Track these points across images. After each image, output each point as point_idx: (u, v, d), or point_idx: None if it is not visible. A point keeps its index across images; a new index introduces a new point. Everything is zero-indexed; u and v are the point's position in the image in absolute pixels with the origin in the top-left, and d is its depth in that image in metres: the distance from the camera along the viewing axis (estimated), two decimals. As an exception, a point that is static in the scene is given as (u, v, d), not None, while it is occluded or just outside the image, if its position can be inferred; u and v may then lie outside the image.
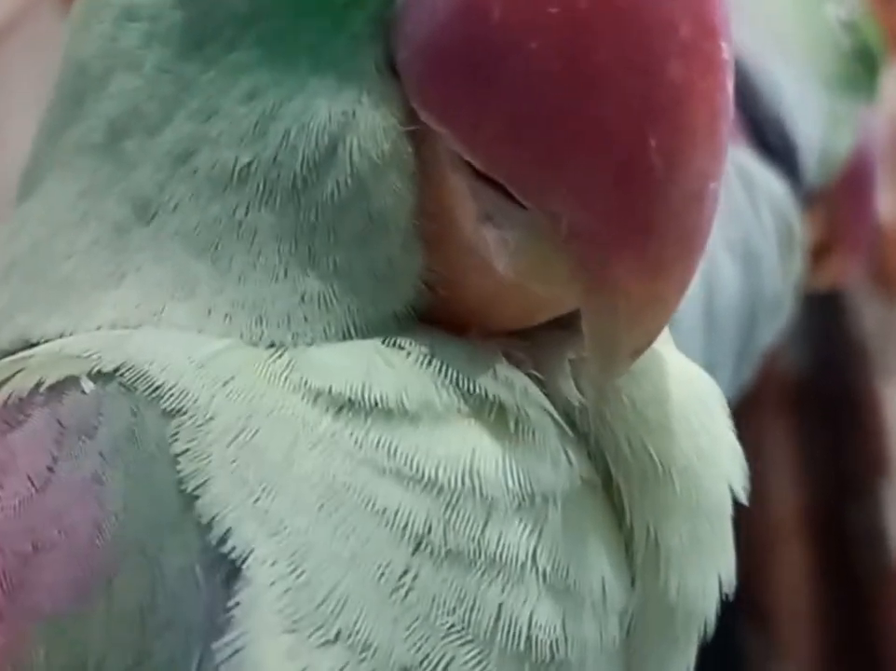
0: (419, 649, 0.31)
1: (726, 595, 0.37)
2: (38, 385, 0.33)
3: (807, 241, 0.87)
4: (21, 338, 0.37)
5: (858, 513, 1.24)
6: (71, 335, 0.36)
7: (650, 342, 0.33)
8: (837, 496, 1.24)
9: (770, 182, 0.84)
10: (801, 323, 0.91)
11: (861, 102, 0.89)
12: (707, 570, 0.36)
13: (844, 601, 1.22)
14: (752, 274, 0.81)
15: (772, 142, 0.85)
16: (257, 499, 0.31)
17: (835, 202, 0.90)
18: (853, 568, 1.23)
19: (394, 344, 0.34)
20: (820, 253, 0.91)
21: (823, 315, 1.19)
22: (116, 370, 0.33)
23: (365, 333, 0.34)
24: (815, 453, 1.24)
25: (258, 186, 0.34)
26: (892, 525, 1.24)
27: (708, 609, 0.36)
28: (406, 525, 0.32)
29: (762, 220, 0.83)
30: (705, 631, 0.37)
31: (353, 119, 0.33)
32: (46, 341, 0.36)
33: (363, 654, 0.31)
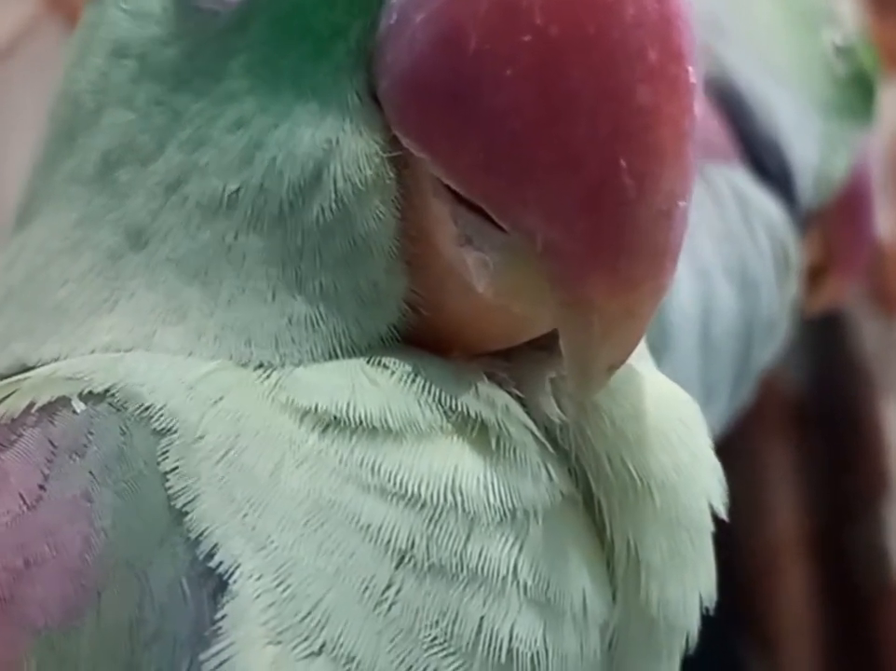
0: (402, 661, 0.32)
1: (714, 614, 0.37)
2: (30, 406, 0.34)
3: (804, 264, 0.88)
4: (18, 363, 0.38)
5: (859, 531, 1.24)
6: (66, 359, 0.37)
7: (625, 357, 0.34)
8: (838, 515, 1.24)
9: (766, 204, 0.84)
10: (801, 342, 0.91)
11: (857, 126, 0.89)
12: (687, 584, 0.36)
13: (846, 619, 1.22)
14: (748, 296, 0.82)
15: (767, 164, 0.85)
16: (244, 516, 0.32)
17: (832, 225, 0.90)
18: (855, 587, 1.23)
19: (379, 363, 0.35)
20: (816, 275, 0.91)
21: (823, 334, 1.19)
22: (107, 391, 0.34)
23: (351, 353, 0.35)
24: (815, 472, 1.23)
25: (246, 212, 0.35)
26: (893, 543, 1.23)
27: (690, 622, 0.37)
28: (389, 540, 0.32)
29: (758, 242, 0.83)
30: (687, 645, 0.37)
31: (337, 146, 0.34)
32: (42, 365, 0.37)
33: (347, 666, 0.32)
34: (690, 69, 0.32)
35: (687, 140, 0.32)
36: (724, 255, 0.81)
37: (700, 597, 0.37)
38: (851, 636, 1.22)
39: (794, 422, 1.23)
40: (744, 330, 0.82)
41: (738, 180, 0.84)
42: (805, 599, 1.20)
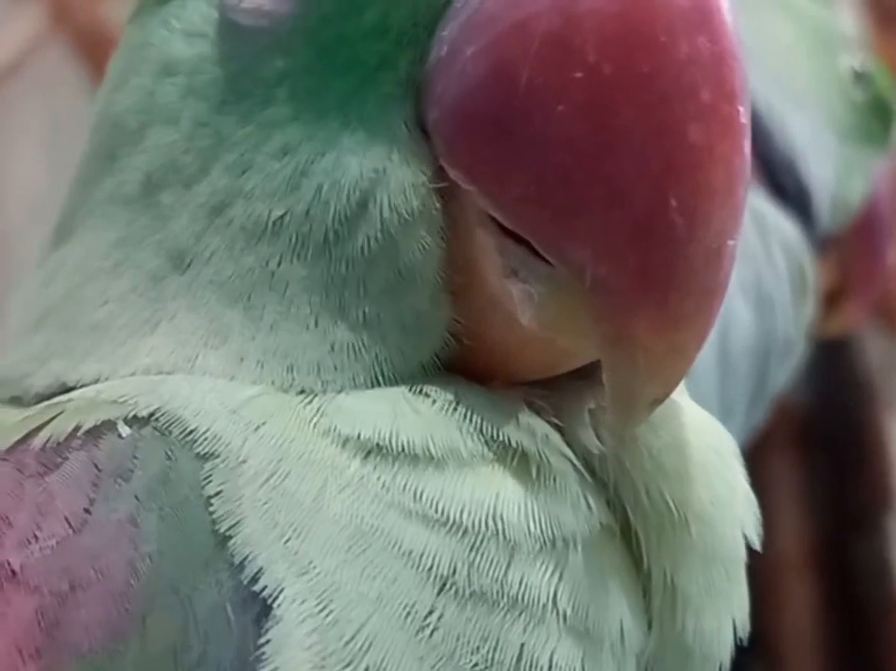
0: None
1: (741, 640, 0.37)
2: (76, 429, 0.34)
3: (820, 288, 0.88)
4: (57, 382, 0.38)
5: (863, 546, 1.25)
6: (107, 380, 0.37)
7: (668, 393, 0.34)
8: (843, 530, 1.24)
9: (783, 224, 0.84)
10: (806, 359, 0.92)
11: (874, 152, 0.89)
12: (722, 615, 0.37)
13: (850, 634, 1.23)
14: (765, 316, 0.82)
15: (785, 184, 0.85)
16: (287, 540, 0.32)
17: (849, 250, 0.90)
18: (859, 602, 1.24)
19: (420, 392, 0.35)
20: (832, 300, 0.92)
21: (828, 351, 1.19)
22: (152, 415, 0.34)
23: (393, 381, 0.35)
24: (820, 487, 1.24)
25: (291, 239, 0.35)
26: (898, 558, 1.24)
27: (723, 652, 0.37)
28: (431, 566, 0.33)
29: (775, 262, 0.83)
30: (720, 674, 0.38)
31: (384, 176, 0.35)
32: (82, 385, 0.37)
33: None
34: (742, 108, 0.32)
35: (739, 179, 0.32)
36: (740, 274, 0.81)
37: (735, 627, 0.37)
38: (856, 649, 1.23)
39: (798, 438, 1.23)
40: (761, 348, 0.82)
41: (755, 200, 0.84)
42: (810, 613, 1.20)
